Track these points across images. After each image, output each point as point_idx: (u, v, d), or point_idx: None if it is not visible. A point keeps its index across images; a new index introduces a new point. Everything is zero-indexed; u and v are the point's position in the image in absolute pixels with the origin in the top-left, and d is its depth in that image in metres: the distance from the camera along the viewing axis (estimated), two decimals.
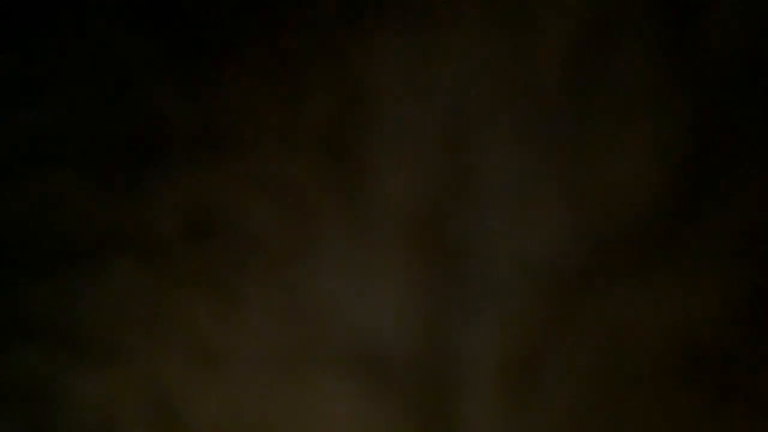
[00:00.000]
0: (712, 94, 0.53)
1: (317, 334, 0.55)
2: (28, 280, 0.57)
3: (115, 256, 0.56)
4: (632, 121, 0.54)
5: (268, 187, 0.56)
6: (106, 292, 0.57)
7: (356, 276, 0.56)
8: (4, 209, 0.57)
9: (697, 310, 0.53)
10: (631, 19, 0.54)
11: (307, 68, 0.56)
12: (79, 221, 0.57)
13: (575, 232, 0.54)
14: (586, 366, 0.54)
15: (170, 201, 0.56)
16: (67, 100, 0.57)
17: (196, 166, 0.56)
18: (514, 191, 0.55)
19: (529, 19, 0.55)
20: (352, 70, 0.55)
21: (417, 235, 0.55)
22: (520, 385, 0.55)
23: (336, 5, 0.56)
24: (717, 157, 0.54)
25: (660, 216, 0.54)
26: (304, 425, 0.55)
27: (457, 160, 0.55)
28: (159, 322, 0.56)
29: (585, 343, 0.54)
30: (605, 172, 0.54)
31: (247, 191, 0.56)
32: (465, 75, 0.55)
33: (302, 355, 0.55)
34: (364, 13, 0.56)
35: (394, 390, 0.55)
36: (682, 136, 0.54)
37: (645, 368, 0.54)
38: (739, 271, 0.53)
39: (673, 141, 0.54)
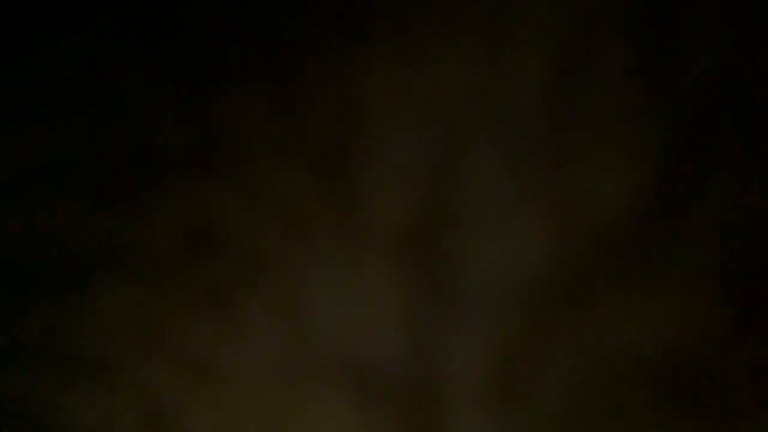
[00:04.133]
0: (689, 109, 0.54)
1: (310, 348, 0.56)
2: (24, 299, 0.57)
3: (112, 274, 0.56)
4: (612, 137, 0.54)
5: (264, 204, 0.56)
6: (103, 310, 0.56)
7: (349, 290, 0.56)
8: (0, 229, 0.57)
9: (680, 319, 0.54)
10: (609, 40, 0.55)
11: (304, 88, 0.56)
12: (75, 240, 0.57)
13: (559, 245, 0.55)
14: (571, 377, 0.54)
15: (167, 218, 0.56)
16: (62, 120, 0.57)
17: (193, 183, 0.56)
18: (499, 207, 0.55)
19: (511, 43, 0.55)
20: (349, 90, 0.56)
21: (408, 251, 0.56)
22: (506, 397, 0.55)
23: (334, 26, 0.56)
24: (696, 171, 0.54)
25: (640, 229, 0.54)
26: None
27: (447, 178, 0.56)
28: (155, 340, 0.56)
29: (570, 354, 0.54)
30: (587, 186, 0.55)
31: (243, 208, 0.56)
32: (455, 96, 0.56)
33: (296, 369, 0.55)
34: (361, 34, 0.56)
35: (384, 402, 0.55)
36: (661, 153, 0.54)
37: (630, 378, 0.54)
38: (722, 280, 0.54)
39: (652, 157, 0.54)
